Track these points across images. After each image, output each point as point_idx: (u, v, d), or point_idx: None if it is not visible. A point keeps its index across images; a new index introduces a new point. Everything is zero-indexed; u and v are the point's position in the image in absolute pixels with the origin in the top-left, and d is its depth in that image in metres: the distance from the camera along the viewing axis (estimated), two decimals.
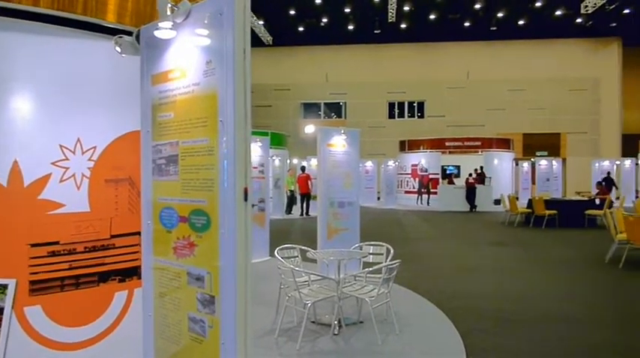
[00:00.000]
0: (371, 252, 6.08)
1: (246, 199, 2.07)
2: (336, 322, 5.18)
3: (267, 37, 30.48)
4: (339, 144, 7.75)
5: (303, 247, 5.90)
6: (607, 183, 22.53)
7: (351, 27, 29.95)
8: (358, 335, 5.17)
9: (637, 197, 23.14)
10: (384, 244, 5.98)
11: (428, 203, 23.99)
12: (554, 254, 10.58)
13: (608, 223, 9.92)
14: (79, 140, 3.08)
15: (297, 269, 5.10)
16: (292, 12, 28.19)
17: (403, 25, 29.64)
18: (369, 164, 26.56)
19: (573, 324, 5.68)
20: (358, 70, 33.14)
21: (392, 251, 5.76)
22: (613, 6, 25.51)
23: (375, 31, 29.53)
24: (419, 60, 32.74)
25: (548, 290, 7.46)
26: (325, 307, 5.71)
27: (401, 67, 32.79)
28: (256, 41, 30.49)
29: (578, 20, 28.39)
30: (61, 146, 2.99)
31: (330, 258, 5.44)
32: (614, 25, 27.78)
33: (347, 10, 27.62)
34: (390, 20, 27.72)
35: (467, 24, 29.48)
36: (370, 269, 5.40)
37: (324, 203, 7.58)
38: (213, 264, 2.17)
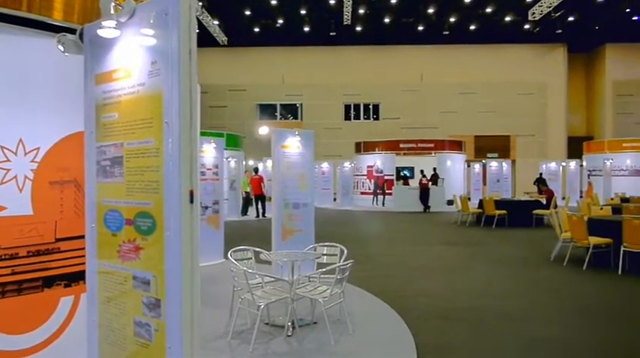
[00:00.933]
0: (325, 252, 6.11)
1: (191, 201, 2.05)
2: (289, 323, 5.18)
3: (222, 38, 30.19)
4: (293, 145, 7.76)
5: (256, 249, 5.87)
6: (540, 183, 23.86)
7: (306, 29, 30.02)
8: (312, 335, 5.20)
9: (581, 197, 24.12)
10: (337, 245, 6.02)
11: (383, 204, 24.28)
12: (504, 253, 10.91)
13: (554, 222, 10.31)
14: (21, 141, 2.99)
15: (249, 271, 5.07)
16: (248, 12, 28.03)
17: (358, 28, 29.94)
18: (325, 165, 26.69)
19: (519, 320, 5.88)
20: (314, 71, 33.27)
21: (345, 251, 5.81)
22: (558, 14, 26.53)
23: (331, 34, 29.70)
24: (374, 62, 33.13)
25: (497, 288, 7.69)
26: (279, 308, 5.70)
27: (356, 69, 33.11)
28: (211, 41, 30.16)
29: (526, 26, 29.38)
30: (1, 147, 2.89)
31: (284, 259, 5.44)
32: (559, 31, 28.87)
33: (303, 11, 27.69)
34: (345, 23, 27.94)
35: (420, 28, 30.04)
36: (323, 269, 5.43)
37: (278, 204, 7.58)
38: (158, 267, 2.14)
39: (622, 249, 8.41)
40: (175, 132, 2.04)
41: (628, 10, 26.46)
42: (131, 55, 2.27)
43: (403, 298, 6.87)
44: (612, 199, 18.53)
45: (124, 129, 2.32)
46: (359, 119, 33.98)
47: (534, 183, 24.82)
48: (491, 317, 6.00)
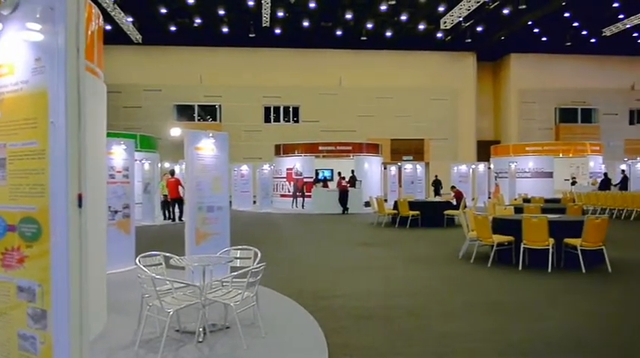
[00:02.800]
0: (238, 256, 6.04)
1: (80, 205, 1.95)
2: (200, 329, 5.07)
3: (136, 35, 29.16)
4: (207, 147, 7.62)
5: (167, 254, 5.70)
6: (436, 185, 25.69)
7: (225, 29, 29.67)
8: (223, 340, 5.12)
9: (489, 198, 25.51)
10: (251, 248, 5.97)
11: (303, 206, 24.43)
12: (415, 252, 11.30)
13: (462, 222, 10.81)
14: None
15: (157, 277, 4.91)
16: (163, 11, 27.26)
17: (278, 31, 29.99)
18: (244, 168, 26.47)
19: (428, 317, 6.11)
20: (233, 73, 32.94)
21: (259, 254, 5.78)
22: (468, 24, 27.94)
23: (250, 35, 29.54)
24: (294, 65, 33.32)
25: (409, 286, 7.94)
26: (191, 315, 5.56)
27: (276, 71, 33.15)
28: (125, 39, 29.08)
29: (439, 35, 30.69)
30: None
31: (195, 264, 5.32)
32: (469, 40, 30.43)
33: (221, 12, 27.32)
34: (264, 25, 27.89)
35: (339, 32, 30.56)
36: (235, 273, 5.37)
37: (192, 208, 7.41)
38: (44, 275, 2.02)
39: (522, 246, 8.97)
40: (62, 133, 1.93)
41: (530, 22, 28.34)
42: (14, 50, 2.13)
43: (318, 299, 6.93)
44: (516, 199, 19.71)
45: (6, 130, 2.17)
46: (279, 121, 34.02)
47: (432, 185, 26.39)
48: (403, 315, 6.19)
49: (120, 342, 5.07)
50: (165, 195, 18.78)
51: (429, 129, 33.88)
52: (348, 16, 27.77)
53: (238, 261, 6.00)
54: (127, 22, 26.98)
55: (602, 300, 7.01)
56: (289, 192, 25.46)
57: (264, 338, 5.18)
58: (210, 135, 7.63)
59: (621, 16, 27.32)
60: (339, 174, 23.52)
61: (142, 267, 5.15)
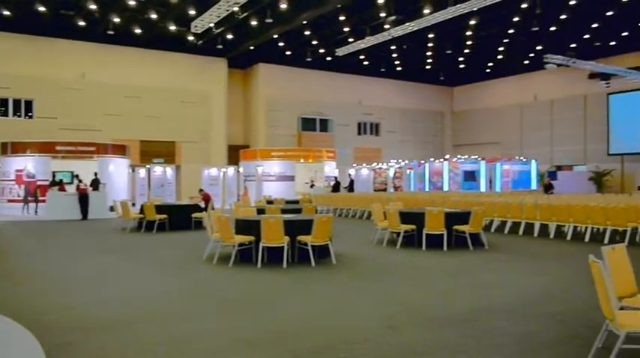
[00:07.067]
0: None
1: None
2: None
3: None
4: None
5: None
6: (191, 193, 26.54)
7: None
8: None
9: (238, 200, 26.49)
10: None
11: (36, 212, 21.90)
12: (160, 256, 11.11)
13: (207, 224, 11.01)
14: None
15: None
16: None
17: (6, 13, 26.22)
18: None
19: (164, 320, 6.04)
20: None
21: None
22: (219, 30, 28.54)
23: None
24: (27, 54, 29.52)
25: (149, 291, 7.77)
26: None
27: (5, 59, 28.90)
28: None
29: (191, 38, 30.65)
30: None
31: None
32: (220, 47, 31.12)
33: None
34: None
35: (82, 23, 28.16)
36: None
37: None
38: None
39: (260, 245, 9.55)
40: None
41: (276, 36, 30.30)
42: None
43: (44, 315, 6.29)
44: (260, 201, 20.89)
45: None
46: (7, 116, 29.72)
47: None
48: (138, 323, 6.01)
49: None
50: None
51: (180, 132, 33.52)
52: (92, 6, 25.77)
53: None
54: None
55: (328, 287, 7.93)
56: (19, 196, 22.53)
57: None
58: None
59: (351, 40, 31.10)
60: (77, 176, 21.73)
61: None
